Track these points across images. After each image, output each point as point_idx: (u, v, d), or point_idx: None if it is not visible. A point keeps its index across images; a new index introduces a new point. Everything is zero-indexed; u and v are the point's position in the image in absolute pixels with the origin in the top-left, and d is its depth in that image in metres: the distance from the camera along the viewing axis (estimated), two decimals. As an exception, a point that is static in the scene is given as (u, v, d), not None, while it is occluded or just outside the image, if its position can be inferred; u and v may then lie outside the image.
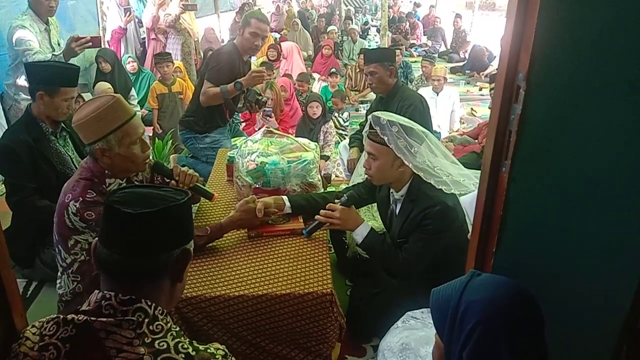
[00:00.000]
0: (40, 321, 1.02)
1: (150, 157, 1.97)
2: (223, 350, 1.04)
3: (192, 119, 3.47)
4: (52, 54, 3.14)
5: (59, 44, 3.47)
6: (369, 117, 2.06)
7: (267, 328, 1.86)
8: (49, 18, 3.39)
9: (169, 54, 5.21)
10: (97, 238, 1.03)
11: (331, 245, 2.60)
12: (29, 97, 3.34)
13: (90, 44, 3.06)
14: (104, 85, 4.56)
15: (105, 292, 0.98)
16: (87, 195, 1.72)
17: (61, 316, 0.98)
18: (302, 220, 2.25)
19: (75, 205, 1.70)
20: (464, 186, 1.98)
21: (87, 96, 4.47)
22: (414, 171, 1.96)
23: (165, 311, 1.02)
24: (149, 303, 0.99)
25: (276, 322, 1.85)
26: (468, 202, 1.44)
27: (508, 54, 0.98)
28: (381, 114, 2.03)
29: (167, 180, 2.13)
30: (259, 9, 8.72)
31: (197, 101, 3.37)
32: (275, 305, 1.82)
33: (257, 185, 2.36)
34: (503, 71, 1.00)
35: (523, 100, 0.95)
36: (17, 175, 2.48)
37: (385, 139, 1.93)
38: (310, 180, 2.41)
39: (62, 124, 2.60)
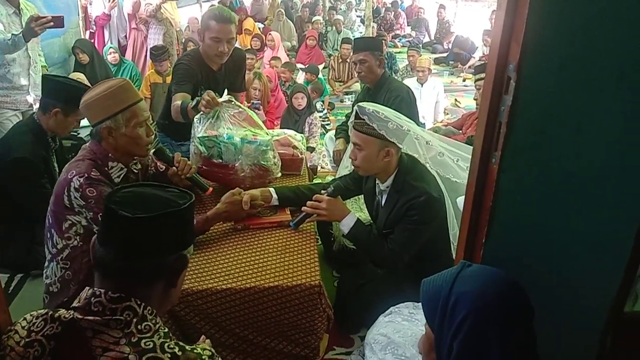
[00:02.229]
0: (32, 314, 1.00)
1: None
2: (210, 350, 1.03)
3: (166, 123, 3.02)
4: (12, 34, 2.97)
5: None
6: (355, 107, 2.06)
7: (255, 321, 1.85)
8: (22, 3, 3.22)
9: (165, 49, 5.06)
10: (95, 236, 1.02)
11: (318, 237, 2.60)
12: None
13: (52, 23, 2.89)
14: (76, 75, 4.43)
15: (96, 289, 0.97)
16: (92, 173, 1.74)
17: (50, 312, 0.97)
18: (289, 212, 2.24)
19: (79, 181, 1.71)
20: (455, 169, 1.99)
21: None
22: (409, 152, 1.97)
23: (155, 311, 1.01)
24: (139, 302, 0.97)
25: (264, 314, 1.84)
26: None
27: (498, 44, 0.97)
28: (366, 104, 2.03)
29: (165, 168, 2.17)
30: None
31: (168, 104, 2.86)
32: (263, 298, 1.81)
33: (207, 155, 2.29)
34: (493, 62, 1.00)
35: (513, 91, 0.95)
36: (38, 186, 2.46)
37: (375, 126, 1.93)
38: (263, 163, 2.33)
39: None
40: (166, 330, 1.01)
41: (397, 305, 1.85)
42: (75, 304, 0.98)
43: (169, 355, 0.94)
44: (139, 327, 0.95)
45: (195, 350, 0.99)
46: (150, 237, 0.97)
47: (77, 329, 0.93)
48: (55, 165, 2.63)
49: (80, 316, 0.94)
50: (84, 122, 3.65)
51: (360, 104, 2.05)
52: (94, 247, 1.00)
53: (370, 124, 1.95)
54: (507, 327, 0.95)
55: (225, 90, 2.63)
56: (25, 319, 1.00)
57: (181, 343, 1.00)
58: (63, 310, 0.98)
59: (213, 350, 1.05)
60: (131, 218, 0.94)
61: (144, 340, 0.94)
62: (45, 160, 2.51)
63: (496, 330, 0.94)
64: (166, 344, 0.96)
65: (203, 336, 1.35)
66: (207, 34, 2.65)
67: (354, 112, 2.06)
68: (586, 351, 1.19)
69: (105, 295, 0.95)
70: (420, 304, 1.09)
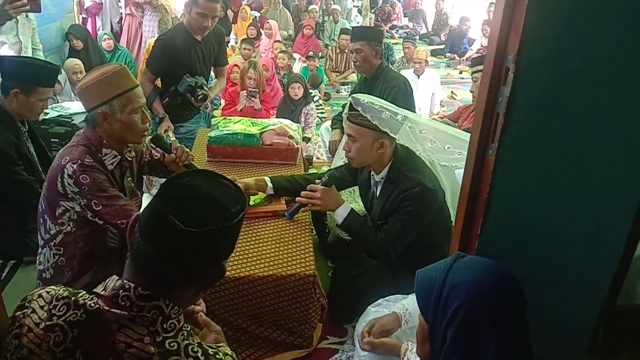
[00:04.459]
0: (50, 293, 0.97)
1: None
2: (231, 356, 1.02)
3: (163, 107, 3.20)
4: None
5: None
6: (349, 98, 2.05)
7: (249, 310, 1.86)
8: None
9: None
10: (138, 219, 0.97)
11: (313, 228, 2.60)
12: None
13: (28, 7, 2.69)
14: (73, 62, 4.39)
15: (125, 281, 0.94)
16: (86, 160, 1.72)
17: (72, 297, 0.94)
18: (284, 202, 2.24)
19: (73, 167, 1.69)
20: (449, 154, 2.00)
21: (60, 77, 4.21)
22: (401, 142, 1.97)
23: (181, 310, 0.98)
24: (167, 302, 0.94)
25: (258, 303, 1.85)
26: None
27: (497, 35, 0.97)
28: (361, 95, 2.02)
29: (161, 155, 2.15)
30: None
31: (164, 89, 3.19)
32: (257, 287, 1.82)
33: None
34: (492, 53, 0.99)
35: (512, 82, 0.94)
36: (13, 174, 2.40)
37: (369, 116, 1.92)
38: None
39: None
40: (189, 328, 0.99)
41: (387, 298, 1.86)
42: (100, 290, 0.95)
43: (192, 359, 0.92)
44: (164, 325, 0.93)
45: (217, 355, 0.97)
46: (197, 249, 0.93)
47: (102, 320, 0.90)
48: (32, 150, 2.56)
49: (106, 307, 0.91)
50: (77, 108, 3.66)
51: (354, 95, 2.04)
52: (133, 234, 0.96)
53: (364, 115, 1.94)
54: (500, 318, 0.96)
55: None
56: (42, 296, 0.96)
57: (204, 345, 0.98)
58: (84, 293, 0.95)
59: (234, 355, 1.03)
60: (182, 230, 0.88)
61: (168, 341, 0.92)
62: (17, 146, 2.43)
63: (489, 320, 0.95)
64: (190, 347, 0.94)
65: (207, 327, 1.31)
66: (194, 8, 2.91)
67: (348, 104, 2.05)
68: (578, 343, 1.20)
69: (134, 290, 0.92)
70: (408, 294, 1.10)
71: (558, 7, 0.89)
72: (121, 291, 0.92)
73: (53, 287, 0.99)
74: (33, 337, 0.91)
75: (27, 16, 3.24)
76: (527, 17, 0.89)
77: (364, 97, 1.98)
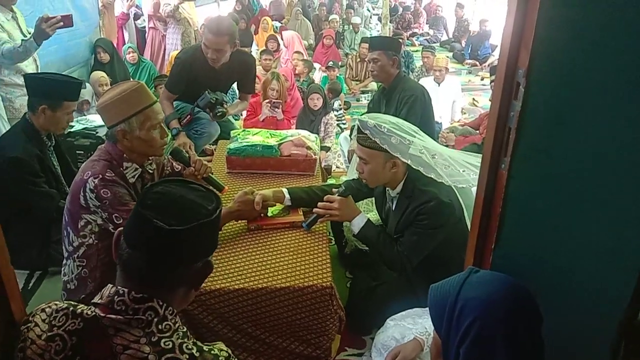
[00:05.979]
0: (51, 307, 1.02)
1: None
2: (227, 351, 1.04)
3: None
4: (22, 40, 2.94)
5: (29, 32, 3.12)
6: (357, 121, 2.04)
7: (267, 321, 1.87)
8: (13, 7, 3.15)
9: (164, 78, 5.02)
10: (121, 231, 1.02)
11: (332, 238, 2.60)
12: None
13: (62, 23, 2.85)
14: (99, 74, 4.49)
15: (119, 287, 0.98)
16: (107, 174, 1.77)
17: (71, 307, 0.99)
18: (301, 213, 2.25)
19: (94, 182, 1.74)
20: (464, 177, 1.97)
21: (85, 92, 4.20)
22: (413, 167, 1.94)
23: (175, 311, 1.02)
24: (161, 303, 0.99)
25: (276, 314, 1.86)
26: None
27: (508, 49, 0.97)
28: (367, 117, 2.01)
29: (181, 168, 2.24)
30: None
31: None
32: (274, 298, 1.83)
33: None
34: (503, 67, 0.99)
35: (523, 97, 0.94)
36: (34, 185, 2.46)
37: (377, 140, 1.91)
38: None
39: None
40: (185, 329, 1.02)
41: (405, 312, 1.84)
42: (97, 299, 0.99)
43: (187, 356, 0.96)
44: (159, 326, 0.97)
45: (212, 352, 1.00)
46: (181, 248, 0.98)
47: (99, 326, 0.95)
48: (56, 163, 2.63)
49: (102, 314, 0.95)
50: (101, 121, 3.74)
51: (361, 117, 2.03)
52: (119, 246, 1.00)
53: (373, 139, 1.93)
54: (514, 335, 0.95)
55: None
56: (44, 310, 1.01)
57: (199, 343, 1.01)
58: (83, 305, 1.00)
59: (230, 351, 1.06)
60: (167, 230, 0.94)
61: (163, 340, 0.96)
62: (41, 159, 2.49)
63: (503, 337, 0.94)
64: (184, 345, 0.97)
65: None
66: (203, 38, 3.07)
67: (356, 127, 2.05)
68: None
69: (128, 294, 0.97)
70: (427, 307, 1.09)
71: (568, 22, 0.88)
72: (116, 297, 0.97)
73: (55, 302, 1.04)
74: (36, 349, 0.96)
75: (29, 32, 3.14)
76: (537, 31, 0.89)
77: (371, 120, 1.95)
